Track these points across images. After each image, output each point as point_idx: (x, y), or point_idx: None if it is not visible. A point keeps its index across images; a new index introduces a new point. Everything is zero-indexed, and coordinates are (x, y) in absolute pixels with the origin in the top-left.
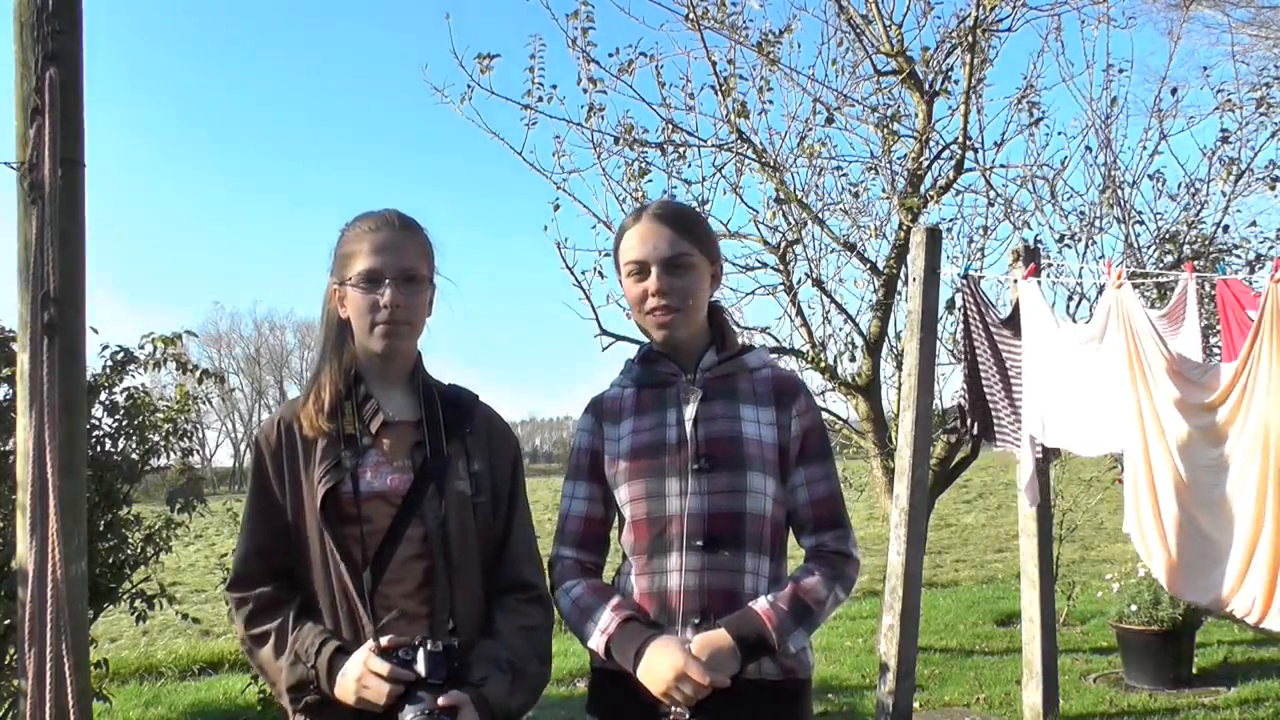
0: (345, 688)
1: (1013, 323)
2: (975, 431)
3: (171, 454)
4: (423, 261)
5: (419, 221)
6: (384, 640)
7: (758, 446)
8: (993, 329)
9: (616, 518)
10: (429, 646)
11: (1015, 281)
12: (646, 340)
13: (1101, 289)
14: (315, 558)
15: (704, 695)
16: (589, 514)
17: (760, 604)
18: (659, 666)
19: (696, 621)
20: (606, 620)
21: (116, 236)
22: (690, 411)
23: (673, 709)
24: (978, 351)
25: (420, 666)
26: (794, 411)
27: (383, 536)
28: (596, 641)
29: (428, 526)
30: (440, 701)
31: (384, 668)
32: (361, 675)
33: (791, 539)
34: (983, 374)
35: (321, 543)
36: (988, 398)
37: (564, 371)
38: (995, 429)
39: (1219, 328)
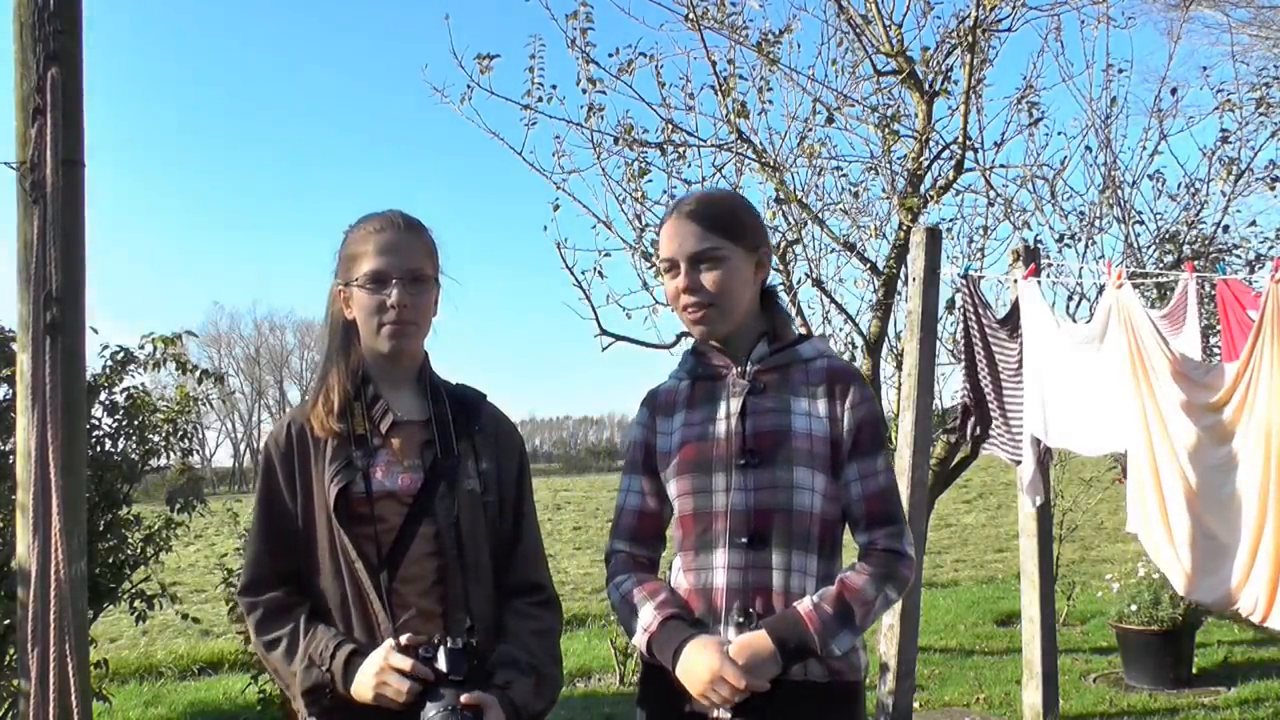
0: (363, 684)
1: (1008, 323)
2: (977, 433)
3: (171, 454)
4: (428, 261)
5: (423, 222)
6: (403, 639)
7: (807, 440)
8: (988, 330)
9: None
10: (449, 644)
11: (1015, 281)
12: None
13: (1101, 289)
14: (326, 559)
15: (742, 698)
16: (643, 508)
17: (804, 605)
18: (696, 667)
19: (740, 620)
20: (649, 618)
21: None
22: (736, 405)
23: (715, 710)
24: (976, 352)
25: (441, 664)
26: (847, 404)
27: (395, 535)
28: (639, 638)
29: (439, 525)
30: (463, 699)
31: (406, 663)
32: (381, 671)
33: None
34: (980, 375)
35: (333, 543)
36: (986, 399)
37: (564, 371)
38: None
39: (1219, 328)
